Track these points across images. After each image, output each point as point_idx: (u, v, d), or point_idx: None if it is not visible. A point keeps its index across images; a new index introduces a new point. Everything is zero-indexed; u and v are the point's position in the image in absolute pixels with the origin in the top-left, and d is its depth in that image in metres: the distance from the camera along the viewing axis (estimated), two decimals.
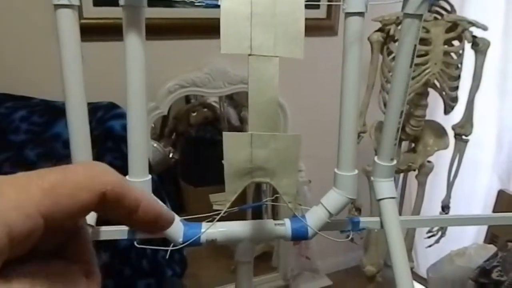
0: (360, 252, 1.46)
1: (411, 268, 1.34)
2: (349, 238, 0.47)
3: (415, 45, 0.42)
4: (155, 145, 1.66)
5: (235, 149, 0.35)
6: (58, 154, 0.94)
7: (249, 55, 0.33)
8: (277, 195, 0.83)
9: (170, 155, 2.02)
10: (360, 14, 0.40)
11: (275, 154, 0.36)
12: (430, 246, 1.22)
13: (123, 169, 0.98)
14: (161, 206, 0.21)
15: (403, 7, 0.42)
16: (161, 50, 1.25)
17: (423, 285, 1.49)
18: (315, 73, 1.47)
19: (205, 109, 2.09)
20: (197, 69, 1.33)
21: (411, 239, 1.23)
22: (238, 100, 1.99)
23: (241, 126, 1.97)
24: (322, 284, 1.82)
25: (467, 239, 1.53)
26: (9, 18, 1.11)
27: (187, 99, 2.00)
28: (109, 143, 0.95)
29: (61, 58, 0.38)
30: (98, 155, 0.94)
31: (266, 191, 1.59)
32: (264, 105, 0.34)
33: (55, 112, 0.99)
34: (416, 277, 1.65)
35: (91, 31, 1.06)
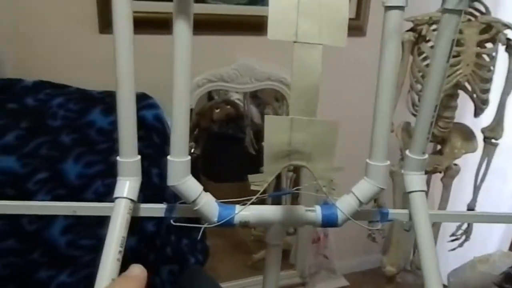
0: (378, 255, 1.46)
1: None
2: (378, 227, 0.48)
3: (453, 40, 0.43)
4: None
5: (275, 132, 0.37)
6: (92, 140, 0.98)
7: (294, 42, 0.34)
8: (305, 185, 0.84)
9: (192, 150, 2.06)
10: (400, 8, 0.41)
11: (312, 139, 0.37)
12: (453, 249, 1.21)
13: (153, 157, 1.01)
14: None
15: (443, 2, 0.42)
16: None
17: None
18: (343, 73, 1.48)
19: (228, 106, 2.11)
20: (225, 65, 1.36)
21: None
22: (262, 98, 2.01)
23: (263, 125, 1.98)
24: (338, 284, 1.82)
25: (490, 246, 1.51)
26: (50, 11, 1.16)
27: (210, 96, 2.03)
28: (141, 132, 0.97)
29: (115, 48, 0.40)
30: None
31: (287, 183, 1.62)
32: (305, 91, 0.35)
33: (90, 100, 1.02)
34: None
35: None
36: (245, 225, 0.46)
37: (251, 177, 0.39)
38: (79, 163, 0.96)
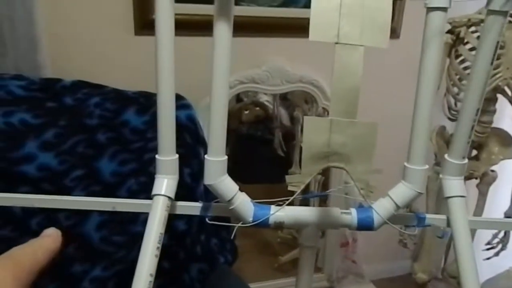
0: (408, 262, 1.43)
1: None
2: (415, 232, 0.47)
3: (498, 42, 0.42)
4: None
5: (314, 133, 0.37)
6: (126, 139, 1.00)
7: (336, 43, 0.34)
8: (339, 187, 0.83)
9: None
10: (443, 9, 0.40)
11: (352, 140, 0.37)
12: (488, 258, 1.17)
13: (185, 157, 1.02)
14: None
15: (487, 3, 0.41)
16: None
17: None
18: (377, 77, 1.46)
19: (257, 108, 2.12)
20: (256, 66, 1.37)
21: None
22: (291, 100, 2.01)
23: (292, 127, 1.99)
24: None
25: None
26: (88, 13, 1.19)
27: (238, 98, 2.04)
28: None
29: (157, 50, 0.41)
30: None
31: (315, 186, 1.61)
32: (345, 92, 0.35)
33: (125, 100, 1.05)
34: None
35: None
36: (279, 226, 0.46)
37: (289, 178, 0.39)
38: (114, 161, 0.98)
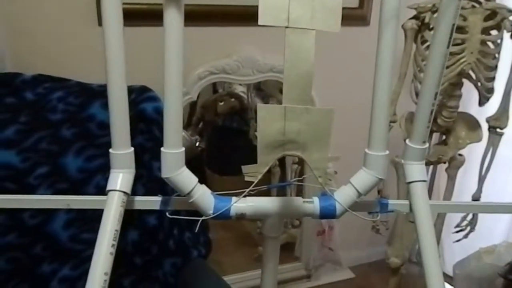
0: (384, 247, 1.45)
1: None
2: (377, 218, 0.47)
3: (454, 25, 0.42)
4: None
5: (268, 121, 0.36)
6: (93, 134, 0.97)
7: (286, 27, 0.33)
8: (304, 176, 0.82)
9: (197, 144, 2.05)
10: None
11: (307, 128, 0.36)
12: (458, 240, 1.19)
13: (154, 150, 1.00)
14: None
15: None
16: (191, 37, 1.26)
17: (448, 283, 1.47)
18: (347, 64, 1.46)
19: (233, 99, 2.10)
20: (227, 57, 1.34)
21: (438, 234, 1.21)
22: (265, 90, 1.99)
23: None
24: (344, 276, 1.82)
25: (496, 237, 1.49)
26: (49, 4, 1.15)
27: (214, 89, 2.01)
28: (141, 125, 0.97)
29: (105, 41, 0.39)
30: (130, 137, 0.98)
31: (292, 175, 1.61)
32: (298, 78, 0.34)
33: (90, 94, 1.02)
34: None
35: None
36: (241, 217, 0.45)
37: (245, 168, 0.38)
38: (80, 157, 0.95)
